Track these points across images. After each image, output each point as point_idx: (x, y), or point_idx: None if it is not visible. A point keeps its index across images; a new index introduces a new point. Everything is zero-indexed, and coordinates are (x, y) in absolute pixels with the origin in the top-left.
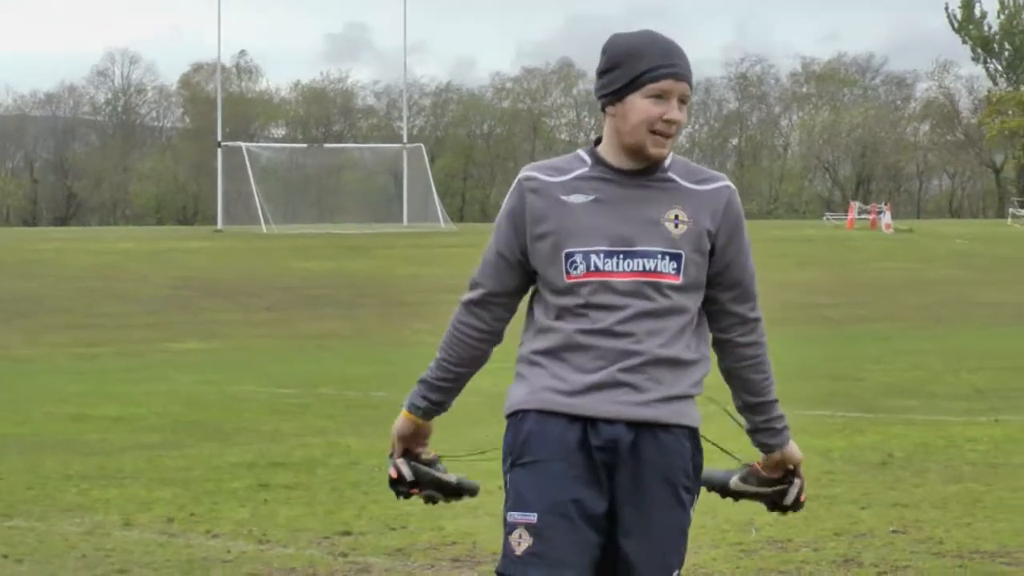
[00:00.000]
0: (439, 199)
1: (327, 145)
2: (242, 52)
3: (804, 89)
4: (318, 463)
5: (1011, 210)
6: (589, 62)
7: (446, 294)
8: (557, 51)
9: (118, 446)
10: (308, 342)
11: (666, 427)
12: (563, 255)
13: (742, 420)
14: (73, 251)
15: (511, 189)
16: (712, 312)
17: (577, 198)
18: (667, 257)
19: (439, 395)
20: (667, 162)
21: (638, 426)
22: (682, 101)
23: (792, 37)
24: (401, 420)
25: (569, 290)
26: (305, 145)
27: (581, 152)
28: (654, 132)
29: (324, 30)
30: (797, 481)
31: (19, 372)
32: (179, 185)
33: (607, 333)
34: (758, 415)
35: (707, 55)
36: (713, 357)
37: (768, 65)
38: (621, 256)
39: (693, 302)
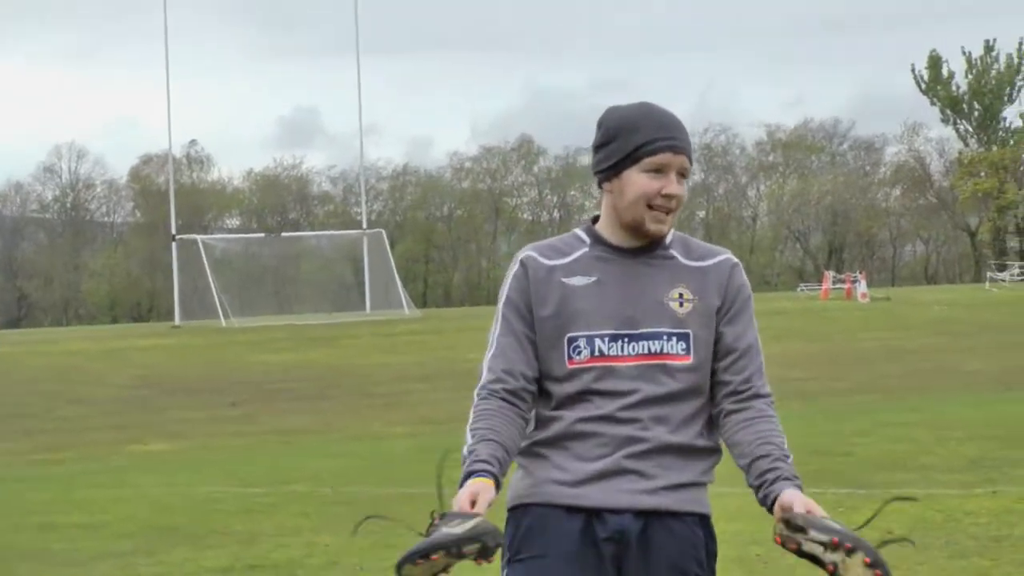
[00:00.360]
0: (402, 285)
1: (284, 234)
2: (192, 142)
3: (771, 158)
4: (297, 564)
5: (989, 274)
6: (549, 138)
7: (415, 383)
8: (515, 127)
9: (89, 555)
10: (274, 438)
11: (676, 515)
12: (566, 340)
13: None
14: (26, 354)
15: (512, 271)
16: (719, 388)
17: (578, 280)
18: (674, 338)
19: (500, 450)
20: (668, 239)
21: (647, 515)
22: (681, 175)
23: (756, 104)
24: (479, 486)
25: (571, 376)
26: (261, 235)
27: (579, 231)
28: (653, 208)
29: (274, 114)
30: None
31: None
32: (132, 281)
33: (610, 419)
34: (751, 474)
35: None
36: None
37: (733, 134)
38: (627, 339)
39: (703, 385)
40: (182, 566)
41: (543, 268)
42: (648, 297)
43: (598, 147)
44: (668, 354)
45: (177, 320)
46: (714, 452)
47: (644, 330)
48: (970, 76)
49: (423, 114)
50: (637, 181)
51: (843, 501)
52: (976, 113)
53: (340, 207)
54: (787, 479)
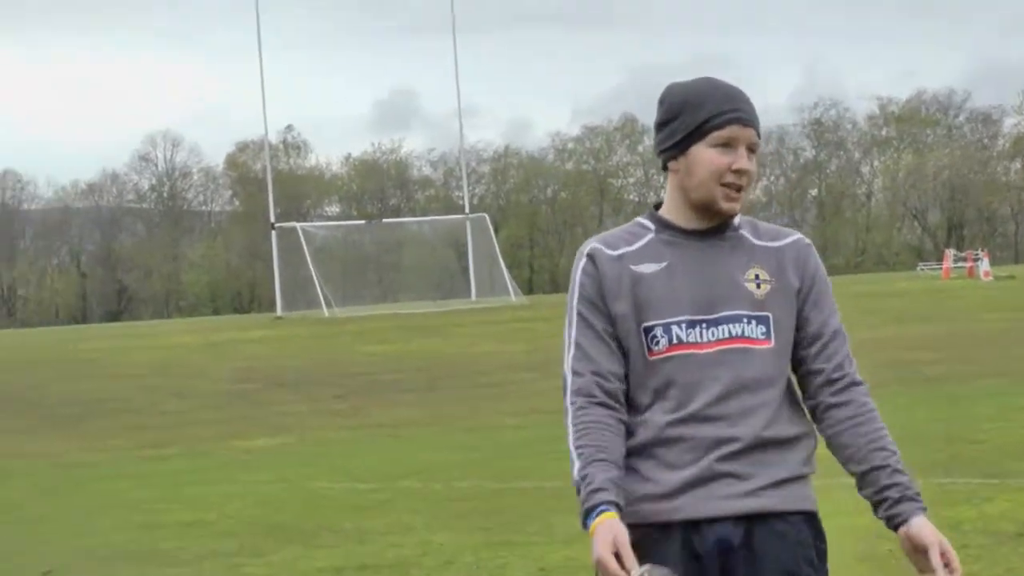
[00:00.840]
0: (507, 271)
1: (385, 220)
2: (288, 127)
3: (884, 132)
4: (411, 564)
5: None
6: (653, 116)
7: (524, 372)
8: (617, 107)
9: (196, 554)
10: (382, 431)
11: (781, 515)
12: (642, 330)
13: None
14: (128, 348)
15: (579, 266)
16: (799, 378)
17: (648, 267)
18: (754, 321)
19: (613, 469)
20: (736, 220)
21: (749, 519)
22: (751, 150)
23: (865, 76)
24: (613, 527)
25: (651, 369)
26: (362, 222)
27: (641, 219)
28: (724, 184)
29: (371, 97)
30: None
31: (80, 480)
32: (232, 271)
33: (697, 419)
34: (867, 486)
35: (776, 101)
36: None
37: (843, 108)
38: (705, 325)
39: (787, 370)
40: (292, 566)
41: (611, 258)
42: (724, 279)
43: (661, 125)
44: (749, 338)
45: (279, 311)
46: (808, 437)
47: (723, 313)
48: None
49: (522, 94)
50: (706, 156)
51: (977, 491)
52: None
53: (441, 191)
54: (911, 500)
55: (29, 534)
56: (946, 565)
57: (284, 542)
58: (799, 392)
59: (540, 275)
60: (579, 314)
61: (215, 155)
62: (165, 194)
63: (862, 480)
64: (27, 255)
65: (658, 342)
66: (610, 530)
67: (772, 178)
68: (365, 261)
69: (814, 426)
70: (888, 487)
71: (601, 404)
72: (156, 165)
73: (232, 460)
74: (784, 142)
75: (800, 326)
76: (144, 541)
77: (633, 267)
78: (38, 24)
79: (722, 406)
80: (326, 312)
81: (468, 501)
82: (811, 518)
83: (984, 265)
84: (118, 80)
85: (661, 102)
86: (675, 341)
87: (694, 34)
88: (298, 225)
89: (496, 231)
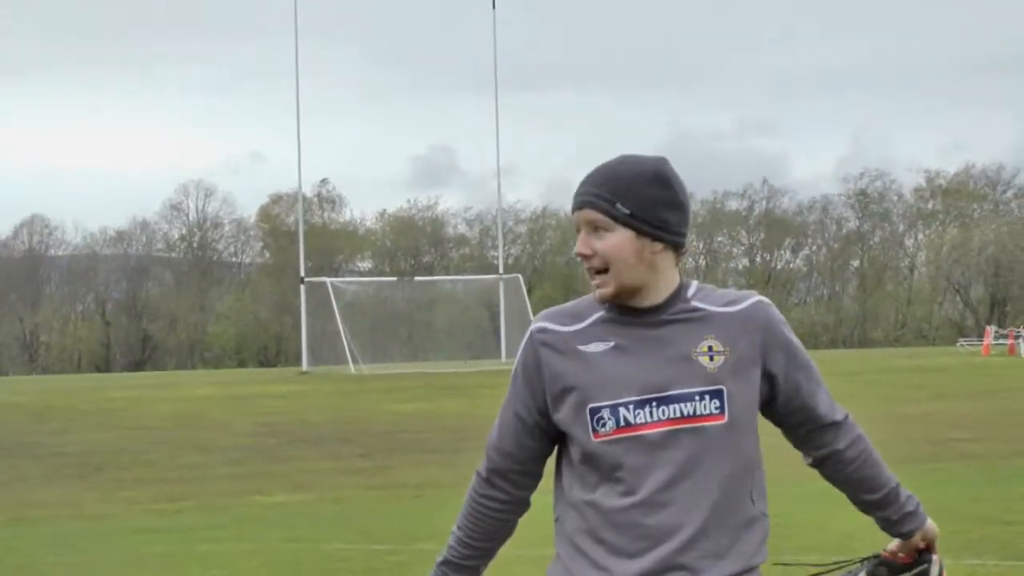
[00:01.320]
0: None
1: (417, 278)
2: (323, 181)
3: (930, 205)
4: None
5: None
6: (694, 181)
7: None
8: None
9: None
10: (405, 491)
11: None
12: (587, 411)
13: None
14: (150, 399)
15: (523, 343)
16: (801, 436)
17: (596, 347)
18: (707, 396)
19: (468, 574)
20: (690, 291)
21: None
22: (602, 228)
23: (914, 148)
24: None
25: (597, 452)
26: (394, 278)
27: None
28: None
29: (408, 153)
30: (935, 558)
31: (95, 532)
32: (260, 324)
33: (647, 505)
34: (886, 508)
35: (823, 170)
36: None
37: (890, 180)
38: (654, 404)
39: (746, 445)
40: None
41: (558, 337)
42: (673, 356)
43: None
44: (700, 416)
45: (305, 366)
46: (763, 521)
47: (673, 392)
48: None
49: (562, 155)
50: None
51: (1006, 574)
52: None
53: (476, 250)
54: (923, 517)
55: None
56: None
57: None
58: (763, 474)
59: None
60: (512, 391)
61: (248, 206)
62: (195, 244)
63: (880, 504)
64: (52, 301)
65: (604, 424)
66: None
67: (814, 248)
68: (395, 318)
69: (768, 511)
70: (905, 501)
71: (486, 480)
72: (187, 215)
73: (249, 516)
74: (828, 212)
75: (788, 394)
76: None
77: (580, 347)
78: (73, 63)
79: (673, 490)
80: (352, 369)
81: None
82: None
83: None
84: (153, 127)
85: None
86: (622, 423)
87: (740, 98)
88: (328, 280)
89: (530, 292)
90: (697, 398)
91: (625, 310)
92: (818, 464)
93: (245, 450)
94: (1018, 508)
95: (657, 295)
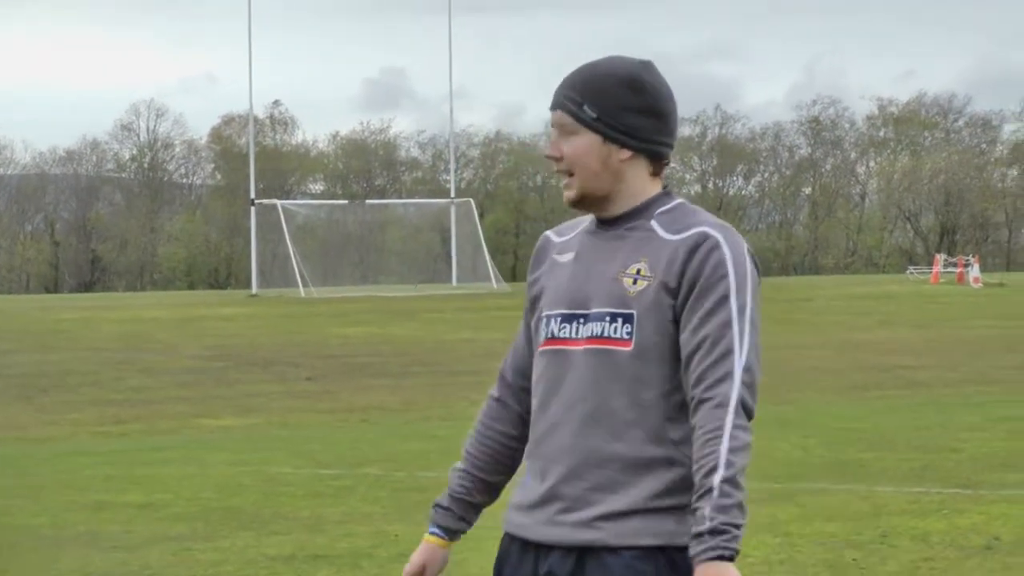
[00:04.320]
0: (490, 257)
1: (369, 201)
2: (276, 102)
3: (881, 133)
4: (363, 555)
5: None
6: None
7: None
8: None
9: (143, 538)
10: (352, 416)
11: (614, 550)
12: (542, 319)
13: None
14: (98, 320)
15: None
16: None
17: (565, 256)
18: (619, 319)
19: (469, 511)
20: (659, 209)
21: (581, 550)
22: (565, 132)
23: (866, 76)
24: (422, 547)
25: (536, 361)
26: (345, 201)
27: None
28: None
29: (361, 75)
30: None
31: (38, 455)
32: (211, 246)
33: (551, 428)
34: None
35: (776, 97)
36: None
37: (842, 107)
38: (581, 320)
39: (662, 381)
40: (241, 553)
41: (549, 244)
42: (604, 273)
43: None
44: (610, 338)
45: (255, 288)
46: (670, 466)
47: (594, 310)
48: None
49: (516, 79)
50: None
51: (948, 502)
52: None
53: (428, 174)
54: (699, 540)
55: None
56: None
57: (237, 528)
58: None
59: (524, 263)
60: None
61: (200, 127)
62: (146, 165)
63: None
64: (0, 221)
65: (541, 333)
66: (420, 554)
67: (767, 174)
68: (346, 241)
69: (685, 452)
70: (698, 518)
71: (498, 400)
72: (138, 135)
73: (194, 440)
74: (780, 139)
75: (679, 333)
76: (93, 523)
77: (555, 256)
78: None
79: (574, 411)
80: (302, 292)
81: (430, 492)
82: (658, 551)
83: (974, 271)
84: (105, 46)
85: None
86: (550, 335)
87: (695, 23)
88: (279, 202)
89: (482, 217)
90: (608, 319)
91: (598, 221)
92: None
93: (193, 373)
94: (963, 436)
95: (619, 206)
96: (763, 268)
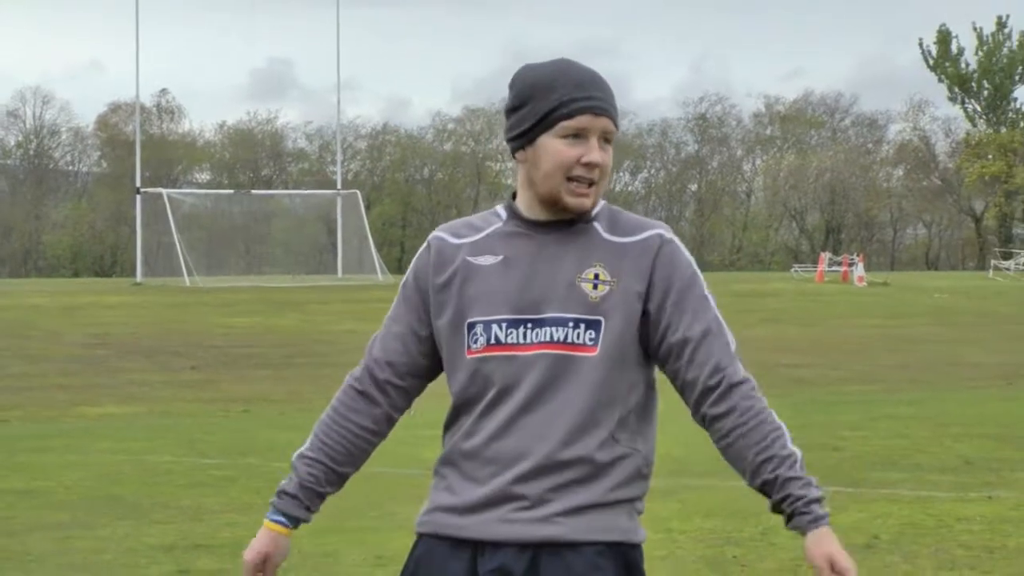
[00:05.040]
0: (376, 249)
1: (255, 191)
2: (163, 91)
3: (768, 131)
4: (244, 545)
5: (993, 262)
6: None
7: None
8: (500, 90)
9: (24, 525)
10: (234, 406)
11: (573, 546)
12: (465, 327)
13: None
14: None
15: (419, 250)
16: (679, 390)
17: (486, 259)
18: (582, 325)
19: (315, 500)
20: (594, 212)
21: (537, 547)
22: (606, 140)
23: (753, 74)
24: (264, 536)
25: (469, 368)
26: (231, 191)
27: (499, 207)
28: (572, 179)
29: (248, 65)
30: None
31: None
32: (96, 234)
33: (503, 430)
34: (770, 495)
35: (662, 94)
36: None
37: (729, 105)
38: (529, 325)
39: (621, 383)
40: (121, 542)
41: (450, 247)
42: (558, 277)
43: (509, 111)
44: (572, 344)
45: (139, 277)
46: (627, 460)
47: (549, 315)
48: (980, 53)
49: (403, 71)
50: (553, 148)
51: (829, 501)
52: (985, 92)
53: (315, 165)
54: (803, 513)
55: None
56: None
57: (118, 517)
58: (649, 412)
59: (411, 255)
60: (396, 299)
61: (86, 115)
62: (31, 152)
63: (761, 489)
64: None
65: (477, 340)
66: (261, 541)
67: (653, 171)
68: (232, 231)
69: (644, 449)
70: (781, 501)
71: (362, 393)
72: (24, 122)
73: (76, 428)
74: (667, 135)
75: (664, 336)
76: None
77: (469, 258)
78: None
79: (526, 416)
80: (187, 281)
81: None
82: (616, 549)
83: (859, 270)
84: None
85: (511, 86)
86: (493, 341)
87: (582, 21)
88: (164, 191)
89: (369, 208)
90: (571, 324)
91: (522, 223)
92: (709, 428)
93: (75, 361)
94: (845, 435)
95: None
96: None
